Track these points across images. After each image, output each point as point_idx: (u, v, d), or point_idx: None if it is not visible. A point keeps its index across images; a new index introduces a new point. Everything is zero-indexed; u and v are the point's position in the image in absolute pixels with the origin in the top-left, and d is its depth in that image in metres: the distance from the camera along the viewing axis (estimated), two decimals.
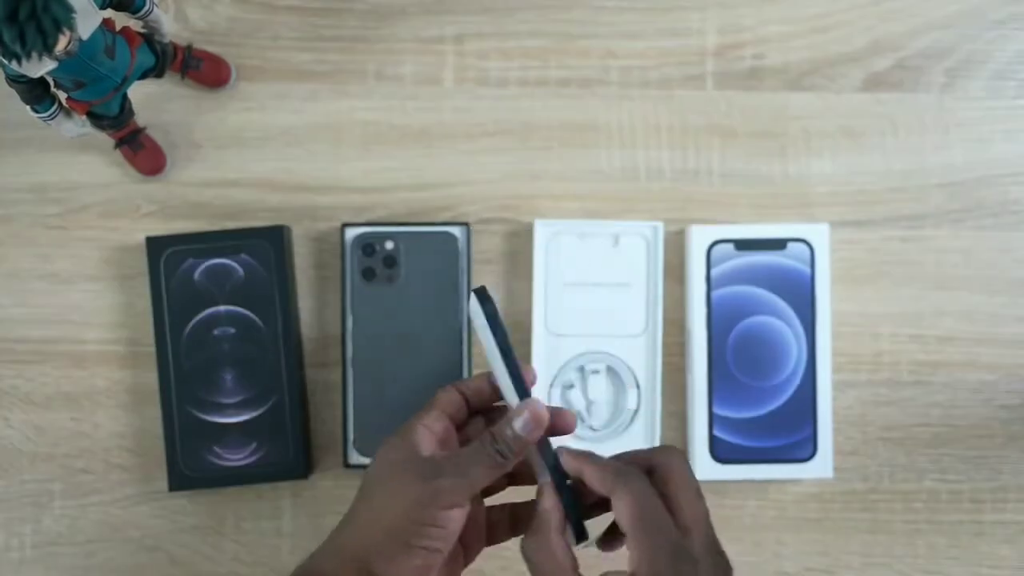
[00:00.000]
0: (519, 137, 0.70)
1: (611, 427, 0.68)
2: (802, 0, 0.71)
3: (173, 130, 0.70)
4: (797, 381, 0.68)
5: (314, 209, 0.70)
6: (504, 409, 0.49)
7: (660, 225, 0.68)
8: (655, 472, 0.46)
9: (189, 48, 0.67)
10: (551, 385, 0.68)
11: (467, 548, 0.51)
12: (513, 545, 0.49)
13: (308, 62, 0.70)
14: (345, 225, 0.68)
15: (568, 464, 0.47)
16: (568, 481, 0.47)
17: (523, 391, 0.48)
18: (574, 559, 0.45)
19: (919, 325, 0.70)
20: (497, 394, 0.50)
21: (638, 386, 0.68)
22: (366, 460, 0.67)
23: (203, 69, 0.68)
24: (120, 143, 0.67)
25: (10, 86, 0.55)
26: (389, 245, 0.67)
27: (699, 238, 0.68)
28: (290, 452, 0.67)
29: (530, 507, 0.48)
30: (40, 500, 0.69)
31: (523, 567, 0.47)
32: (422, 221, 0.69)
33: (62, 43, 0.48)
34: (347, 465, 0.67)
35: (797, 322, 0.68)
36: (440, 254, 0.68)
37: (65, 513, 0.69)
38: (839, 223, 0.70)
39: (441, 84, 0.70)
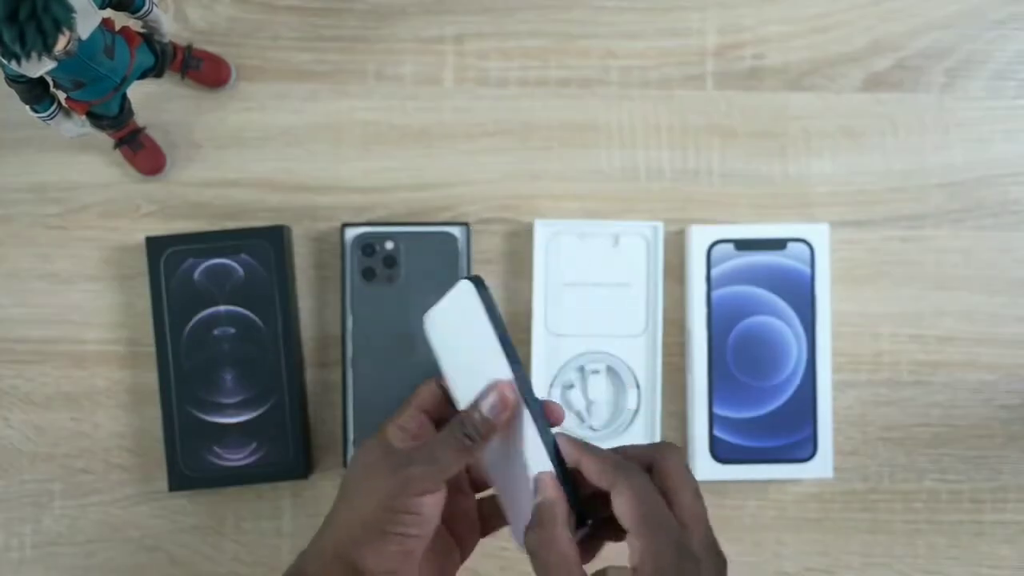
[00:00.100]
0: (519, 137, 0.70)
1: (611, 427, 0.68)
2: (802, 0, 0.71)
3: (173, 130, 0.70)
4: (797, 381, 0.68)
5: (314, 209, 0.70)
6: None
7: (660, 225, 0.68)
8: (653, 469, 0.45)
9: (189, 48, 0.67)
10: (551, 385, 0.68)
11: (461, 541, 0.51)
12: (511, 543, 0.49)
13: (308, 62, 0.70)
14: (345, 225, 0.68)
15: (566, 452, 0.46)
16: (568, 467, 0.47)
17: (528, 389, 0.47)
18: (577, 551, 0.45)
19: (919, 325, 0.70)
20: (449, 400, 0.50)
21: (638, 386, 0.68)
22: None
23: (203, 69, 0.68)
24: (120, 143, 0.67)
25: (10, 86, 0.55)
26: (389, 245, 0.67)
27: (699, 238, 0.68)
28: (290, 452, 0.67)
29: None
30: (40, 500, 0.69)
31: (525, 567, 0.47)
32: (422, 221, 0.69)
33: (62, 43, 0.48)
34: (347, 465, 0.67)
35: (797, 322, 0.68)
36: (440, 254, 0.68)
37: (65, 513, 0.69)
38: (839, 223, 0.70)
39: (441, 84, 0.70)
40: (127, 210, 0.70)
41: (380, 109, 0.70)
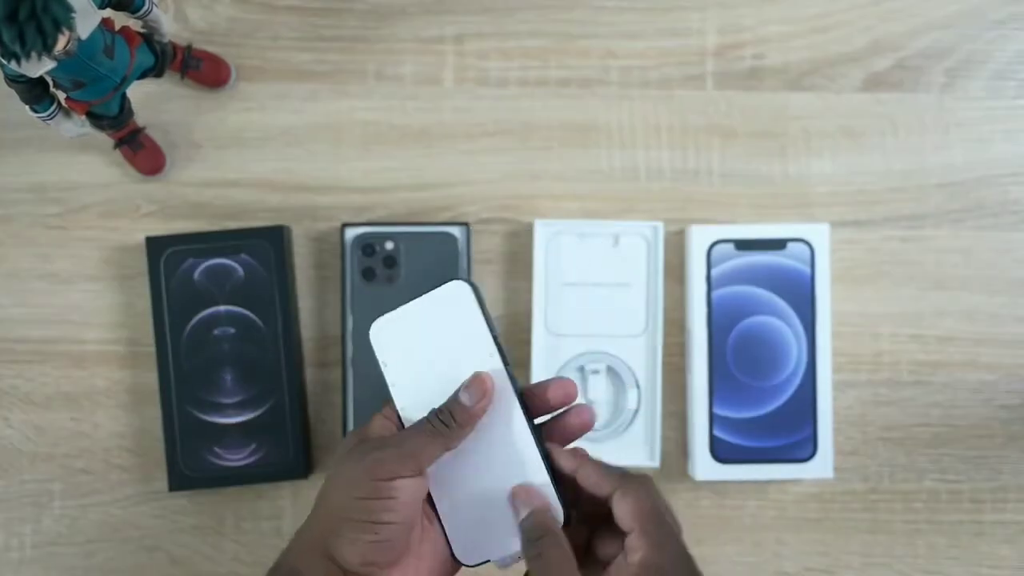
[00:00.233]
0: (519, 137, 0.70)
1: (611, 427, 0.68)
2: (802, 0, 0.71)
3: (173, 130, 0.70)
4: (797, 381, 0.68)
5: (314, 209, 0.70)
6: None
7: (660, 225, 0.68)
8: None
9: (189, 48, 0.67)
10: None
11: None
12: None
13: (308, 62, 0.70)
14: (345, 225, 0.68)
15: (565, 463, 0.47)
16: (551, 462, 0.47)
17: (523, 401, 0.47)
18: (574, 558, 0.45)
19: (919, 325, 0.70)
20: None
21: (638, 386, 0.68)
22: None
23: (203, 69, 0.68)
24: (120, 143, 0.67)
25: (9, 86, 0.55)
26: (389, 245, 0.67)
27: (699, 238, 0.68)
28: (290, 452, 0.67)
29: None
30: (40, 500, 0.69)
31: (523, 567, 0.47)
32: (422, 221, 0.69)
33: (61, 43, 0.48)
34: None
35: (797, 322, 0.68)
36: (440, 254, 0.68)
37: (65, 513, 0.69)
38: (839, 223, 0.70)
39: (441, 84, 0.70)
40: (127, 210, 0.70)
41: (380, 109, 0.70)
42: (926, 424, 0.70)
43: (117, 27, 0.57)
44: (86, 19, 0.50)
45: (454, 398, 0.46)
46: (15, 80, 0.54)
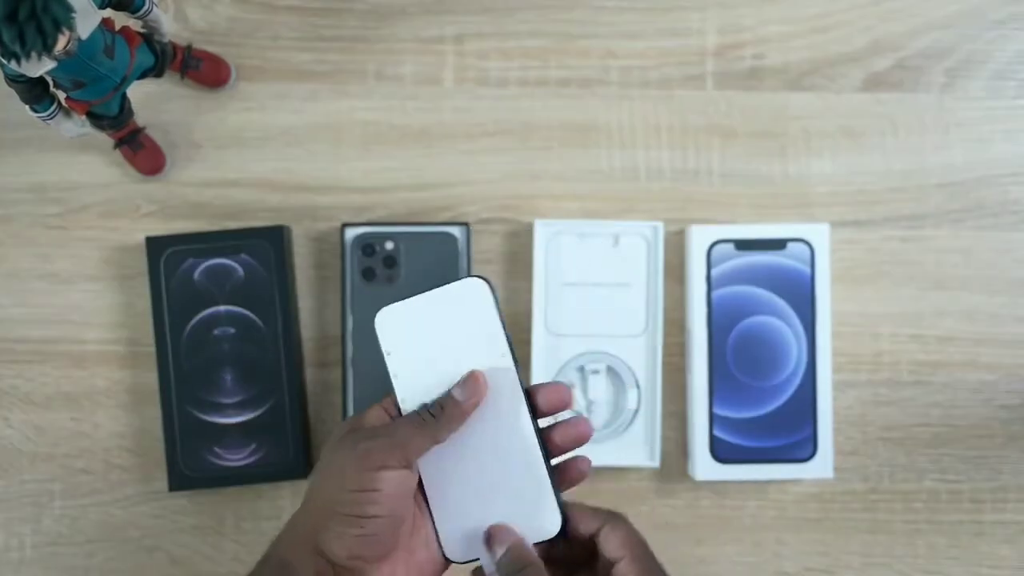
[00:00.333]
0: (519, 137, 0.70)
1: (611, 427, 0.68)
2: (802, 0, 0.71)
3: (173, 130, 0.70)
4: (797, 381, 0.68)
5: (314, 209, 0.70)
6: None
7: (660, 225, 0.68)
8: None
9: (189, 48, 0.67)
10: None
11: None
12: None
13: (308, 62, 0.70)
14: (345, 225, 0.68)
15: None
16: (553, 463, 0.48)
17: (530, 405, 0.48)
18: None
19: (919, 325, 0.70)
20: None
21: (638, 386, 0.68)
22: None
23: (203, 69, 0.68)
24: (120, 143, 0.67)
25: (9, 86, 0.55)
26: (389, 245, 0.67)
27: (699, 238, 0.68)
28: (290, 452, 0.67)
29: None
30: (40, 500, 0.69)
31: None
32: (422, 221, 0.69)
33: (61, 43, 0.48)
34: None
35: (797, 322, 0.68)
36: (440, 254, 0.68)
37: (65, 513, 0.69)
38: (839, 223, 0.70)
39: (441, 84, 0.70)
40: (127, 210, 0.70)
41: (380, 109, 0.70)
42: (926, 424, 0.70)
43: (117, 27, 0.57)
44: (86, 19, 0.50)
45: (447, 393, 0.47)
46: (15, 80, 0.54)
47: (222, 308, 0.67)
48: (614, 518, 0.47)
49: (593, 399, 0.68)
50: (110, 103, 0.60)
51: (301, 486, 0.69)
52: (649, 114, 0.70)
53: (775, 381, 0.68)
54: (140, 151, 0.67)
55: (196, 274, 0.67)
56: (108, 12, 0.54)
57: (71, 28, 0.48)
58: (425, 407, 0.47)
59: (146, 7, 0.57)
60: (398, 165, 0.70)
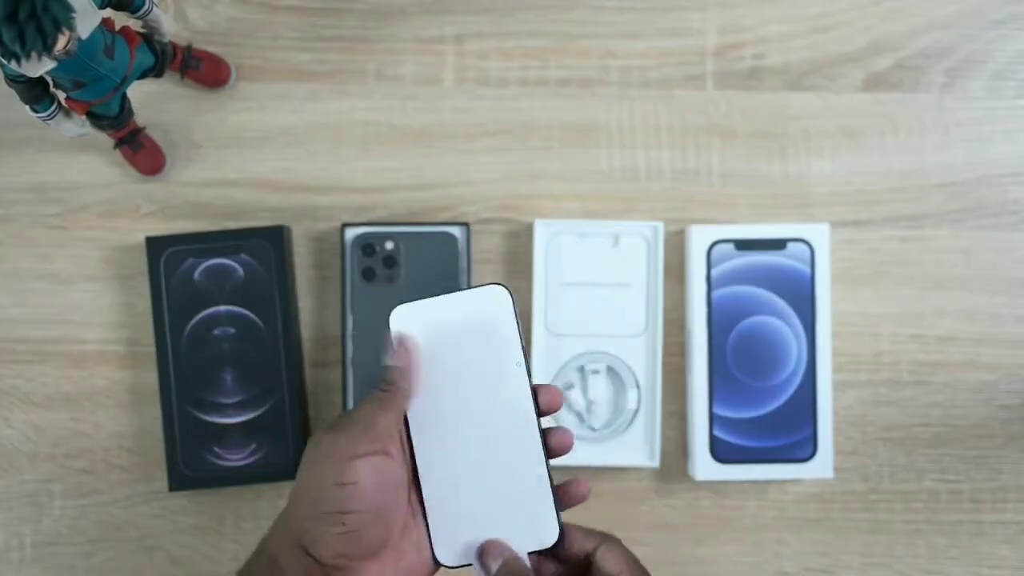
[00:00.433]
0: (519, 137, 0.70)
1: (611, 427, 0.68)
2: (802, 0, 0.71)
3: (173, 130, 0.70)
4: (797, 381, 0.68)
5: (314, 209, 0.70)
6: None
7: (660, 225, 0.68)
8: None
9: (189, 48, 0.67)
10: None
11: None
12: None
13: (308, 62, 0.70)
14: (345, 225, 0.68)
15: None
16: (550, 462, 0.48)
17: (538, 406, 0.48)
18: None
19: (919, 325, 0.70)
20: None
21: (638, 386, 0.68)
22: None
23: (203, 69, 0.68)
24: (120, 143, 0.67)
25: (9, 86, 0.55)
26: (389, 245, 0.67)
27: (699, 238, 0.68)
28: (290, 452, 0.67)
29: None
30: (40, 500, 0.69)
31: None
32: (422, 221, 0.69)
33: (61, 43, 0.48)
34: None
35: (797, 322, 0.68)
36: (440, 254, 0.68)
37: (65, 513, 0.69)
38: (839, 223, 0.70)
39: (441, 84, 0.70)
40: (127, 210, 0.70)
41: (380, 109, 0.70)
42: (926, 424, 0.70)
43: (117, 27, 0.57)
44: (86, 19, 0.50)
45: (384, 365, 0.47)
46: (15, 80, 0.54)
47: (222, 308, 0.67)
48: (610, 538, 0.47)
49: (593, 399, 0.68)
50: (110, 103, 0.60)
51: None
52: (649, 114, 0.70)
53: (775, 381, 0.68)
54: (140, 151, 0.67)
55: (196, 274, 0.67)
56: (108, 12, 0.54)
57: (71, 28, 0.48)
58: (375, 385, 0.46)
59: (146, 7, 0.58)
60: (398, 165, 0.70)
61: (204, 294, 0.67)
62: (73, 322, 0.69)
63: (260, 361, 0.67)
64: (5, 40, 0.47)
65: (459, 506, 0.47)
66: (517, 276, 0.70)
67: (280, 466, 0.67)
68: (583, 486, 0.48)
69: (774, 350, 0.68)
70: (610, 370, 0.68)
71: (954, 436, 0.70)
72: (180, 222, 0.69)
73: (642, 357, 0.68)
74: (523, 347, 0.47)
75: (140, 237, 0.68)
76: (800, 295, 0.68)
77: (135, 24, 0.60)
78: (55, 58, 0.48)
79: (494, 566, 0.46)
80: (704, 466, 0.68)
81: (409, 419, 0.47)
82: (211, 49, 0.69)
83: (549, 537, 0.47)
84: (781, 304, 0.68)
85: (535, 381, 0.48)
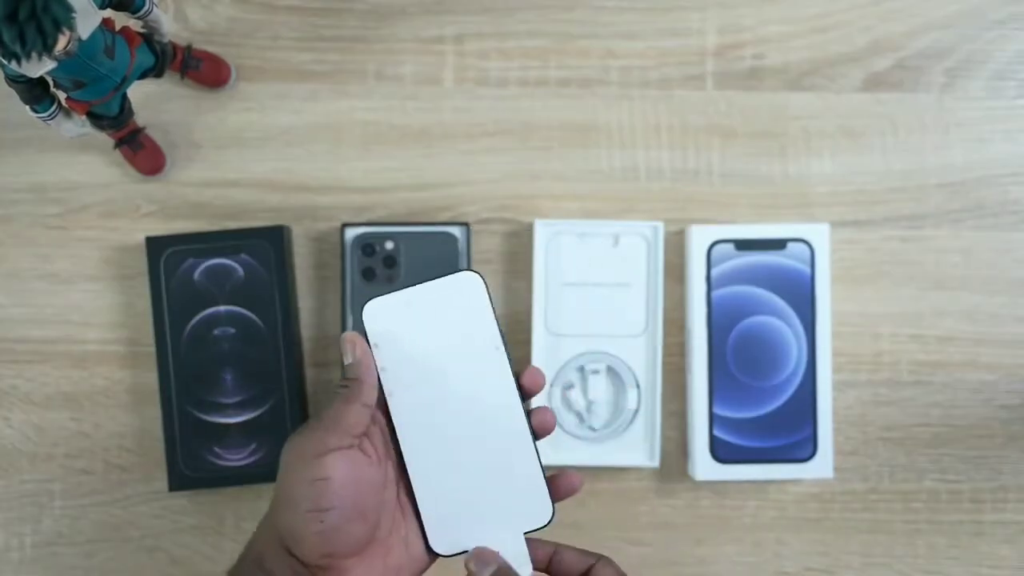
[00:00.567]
0: (519, 137, 0.70)
1: (611, 427, 0.68)
2: (802, 0, 0.71)
3: (173, 130, 0.70)
4: (797, 381, 0.68)
5: (314, 209, 0.70)
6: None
7: (660, 225, 0.68)
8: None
9: (189, 48, 0.67)
10: (551, 385, 0.68)
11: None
12: None
13: (308, 62, 0.70)
14: (345, 225, 0.68)
15: (542, 549, 0.48)
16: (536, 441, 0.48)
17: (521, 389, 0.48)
18: None
19: (919, 325, 0.70)
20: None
21: (638, 386, 0.68)
22: None
23: (203, 69, 0.68)
24: (120, 143, 0.67)
25: (10, 86, 0.55)
26: (389, 245, 0.68)
27: (699, 238, 0.68)
28: None
29: None
30: (40, 500, 0.69)
31: None
32: (422, 221, 0.69)
33: (62, 43, 0.48)
34: None
35: (797, 322, 0.68)
36: (440, 254, 0.68)
37: (65, 513, 0.69)
38: (839, 223, 0.70)
39: (441, 84, 0.70)
40: (127, 210, 0.70)
41: (380, 109, 0.70)
42: (926, 424, 0.70)
43: (117, 27, 0.57)
44: (86, 19, 0.50)
45: (344, 362, 0.47)
46: (15, 80, 0.54)
47: (222, 308, 0.67)
48: (604, 558, 0.48)
49: (593, 399, 0.68)
50: (110, 103, 0.60)
51: None
52: (649, 114, 0.70)
53: (775, 381, 0.68)
54: (140, 151, 0.67)
55: (196, 274, 0.67)
56: (108, 12, 0.54)
57: (71, 28, 0.48)
58: (339, 384, 0.47)
59: (146, 7, 0.58)
60: (398, 165, 0.70)
61: (204, 294, 0.67)
62: (73, 322, 0.69)
63: (260, 361, 0.67)
64: (5, 40, 0.47)
65: (450, 494, 0.47)
66: (517, 276, 0.70)
67: None
68: (575, 478, 0.48)
69: (774, 350, 0.68)
70: (610, 370, 0.68)
71: (954, 436, 0.70)
72: (180, 222, 0.69)
73: (642, 357, 0.68)
74: (501, 331, 0.48)
75: (140, 237, 0.68)
76: (800, 295, 0.68)
77: (135, 24, 0.59)
78: (55, 58, 0.48)
79: (485, 572, 0.46)
80: (704, 466, 0.68)
81: (392, 412, 0.47)
82: (211, 49, 0.69)
83: (543, 516, 0.47)
84: (781, 304, 0.68)
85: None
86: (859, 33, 0.71)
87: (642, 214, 0.70)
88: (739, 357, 0.68)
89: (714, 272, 0.68)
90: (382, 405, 0.48)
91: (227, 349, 0.67)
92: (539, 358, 0.68)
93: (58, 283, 0.69)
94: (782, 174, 0.71)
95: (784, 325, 0.68)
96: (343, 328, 0.67)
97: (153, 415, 0.68)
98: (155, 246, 0.67)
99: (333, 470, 0.44)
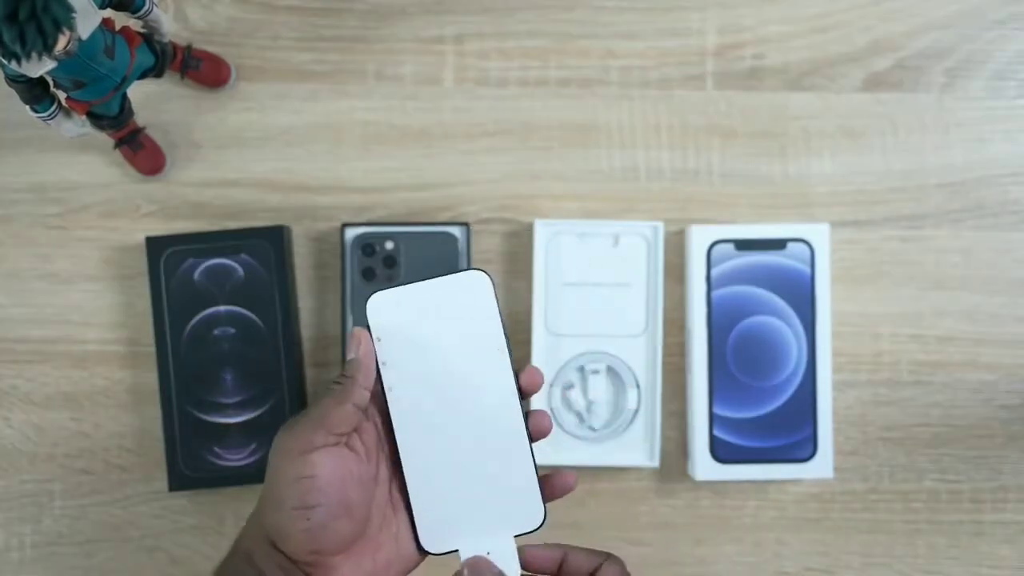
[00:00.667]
0: (519, 137, 0.70)
1: (611, 427, 0.68)
2: (802, 0, 0.71)
3: (173, 130, 0.70)
4: (797, 381, 0.68)
5: (314, 209, 0.70)
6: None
7: (660, 225, 0.68)
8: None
9: (189, 48, 0.67)
10: (551, 385, 0.68)
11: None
12: None
13: (308, 62, 0.70)
14: (345, 225, 0.68)
15: (550, 553, 0.48)
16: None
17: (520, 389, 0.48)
18: None
19: (919, 325, 0.70)
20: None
21: (638, 386, 0.68)
22: None
23: (203, 69, 0.68)
24: (120, 143, 0.67)
25: (10, 86, 0.55)
26: (389, 245, 0.68)
27: (699, 238, 0.68)
28: None
29: None
30: (40, 500, 0.69)
31: None
32: (422, 221, 0.69)
33: (62, 43, 0.48)
34: None
35: (797, 322, 0.68)
36: (440, 254, 0.68)
37: (65, 513, 0.69)
38: (839, 223, 0.70)
39: (441, 84, 0.70)
40: (127, 210, 0.70)
41: (380, 109, 0.70)
42: (926, 424, 0.70)
43: (117, 27, 0.57)
44: (86, 19, 0.50)
45: (346, 357, 0.47)
46: (15, 80, 0.54)
47: (222, 308, 0.67)
48: (612, 557, 0.48)
49: (593, 399, 0.68)
50: (110, 103, 0.60)
51: None
52: (649, 114, 0.70)
53: (775, 381, 0.68)
54: (140, 151, 0.67)
55: (196, 274, 0.67)
56: (108, 12, 0.54)
57: (71, 28, 0.48)
58: (334, 379, 0.46)
59: (146, 7, 0.58)
60: (398, 165, 0.70)
61: (204, 294, 0.67)
62: (73, 322, 0.69)
63: (260, 361, 0.67)
64: (5, 40, 0.47)
65: (443, 492, 0.47)
66: (517, 276, 0.70)
67: None
68: (569, 477, 0.48)
69: (774, 350, 0.68)
70: (610, 370, 0.68)
71: (954, 436, 0.70)
72: (180, 222, 0.69)
73: (642, 357, 0.68)
74: (505, 332, 0.47)
75: (140, 237, 0.68)
76: (800, 295, 0.68)
77: (135, 24, 0.59)
78: (55, 58, 0.48)
79: None
80: (704, 466, 0.68)
81: (390, 407, 0.47)
82: (211, 49, 0.69)
83: (534, 520, 0.47)
84: (781, 304, 0.68)
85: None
86: (859, 33, 0.71)
87: (642, 214, 0.70)
88: (739, 357, 0.68)
89: (714, 272, 0.68)
90: (380, 399, 0.48)
91: (227, 349, 0.67)
92: (539, 358, 0.68)
93: (58, 283, 0.69)
94: (782, 174, 0.71)
95: (784, 325, 0.68)
96: (343, 328, 0.67)
97: (153, 415, 0.68)
98: (155, 246, 0.67)
99: (319, 467, 0.44)
